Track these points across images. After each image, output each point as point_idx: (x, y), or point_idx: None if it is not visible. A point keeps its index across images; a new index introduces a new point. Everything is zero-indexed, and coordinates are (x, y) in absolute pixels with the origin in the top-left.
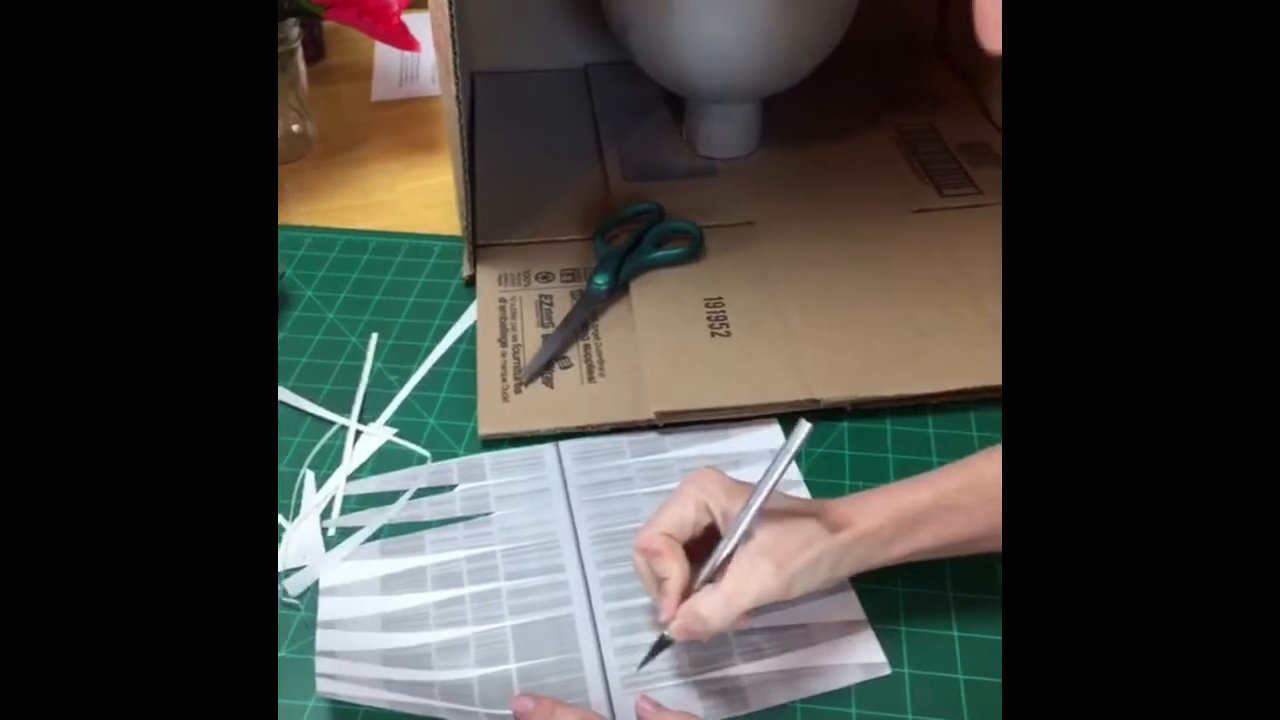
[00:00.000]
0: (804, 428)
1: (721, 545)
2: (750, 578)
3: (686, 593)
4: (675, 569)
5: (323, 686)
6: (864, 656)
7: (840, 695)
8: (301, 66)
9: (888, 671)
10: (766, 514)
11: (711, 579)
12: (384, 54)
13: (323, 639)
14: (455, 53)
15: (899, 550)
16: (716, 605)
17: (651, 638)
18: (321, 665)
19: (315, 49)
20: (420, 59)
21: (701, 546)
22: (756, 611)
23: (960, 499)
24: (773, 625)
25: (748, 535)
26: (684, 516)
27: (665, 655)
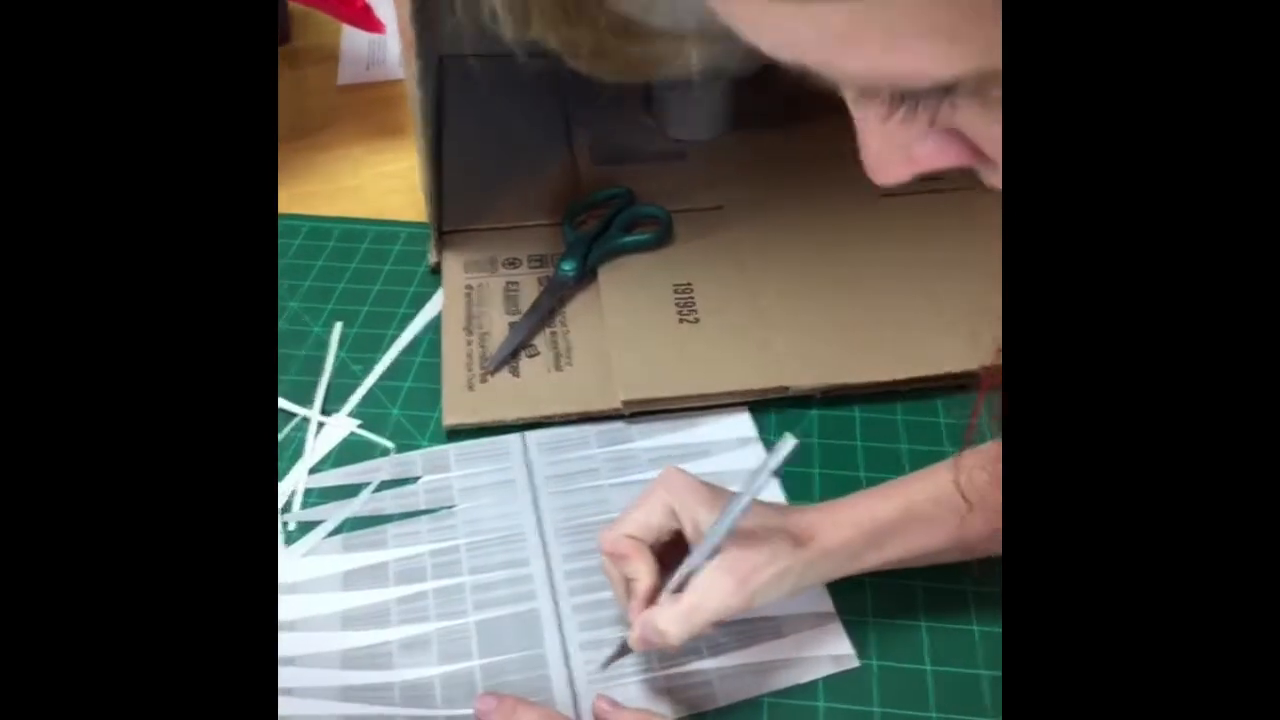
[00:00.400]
0: (788, 443)
1: (690, 559)
2: (711, 592)
3: (654, 596)
4: (643, 571)
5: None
6: (832, 649)
7: (808, 688)
8: None
9: (856, 664)
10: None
11: (678, 588)
12: (351, 37)
13: (280, 644)
14: (418, 34)
15: (866, 562)
16: (675, 619)
17: (617, 634)
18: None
19: (280, 32)
20: (388, 42)
21: (670, 551)
22: (718, 623)
23: (929, 510)
24: (740, 618)
25: (715, 550)
26: (651, 521)
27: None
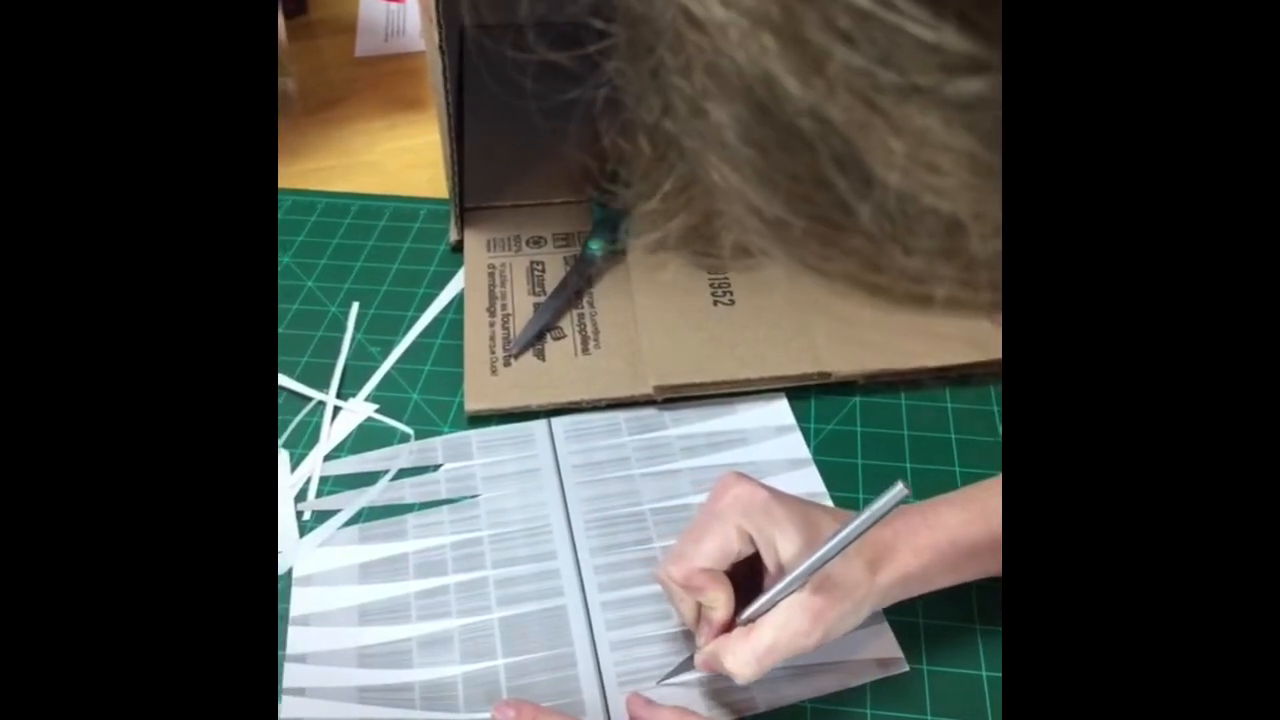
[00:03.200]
0: (898, 491)
1: (770, 594)
2: (785, 632)
3: (730, 624)
4: (721, 601)
5: (287, 711)
6: (880, 653)
7: (855, 694)
8: (279, 19)
9: (905, 668)
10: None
11: (751, 619)
12: (369, 7)
13: (294, 639)
14: (439, 2)
15: (940, 584)
16: (748, 661)
17: (650, 631)
18: (290, 676)
19: (296, 2)
20: (407, 12)
21: (739, 567)
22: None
23: None
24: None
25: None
26: (727, 549)
27: (667, 651)
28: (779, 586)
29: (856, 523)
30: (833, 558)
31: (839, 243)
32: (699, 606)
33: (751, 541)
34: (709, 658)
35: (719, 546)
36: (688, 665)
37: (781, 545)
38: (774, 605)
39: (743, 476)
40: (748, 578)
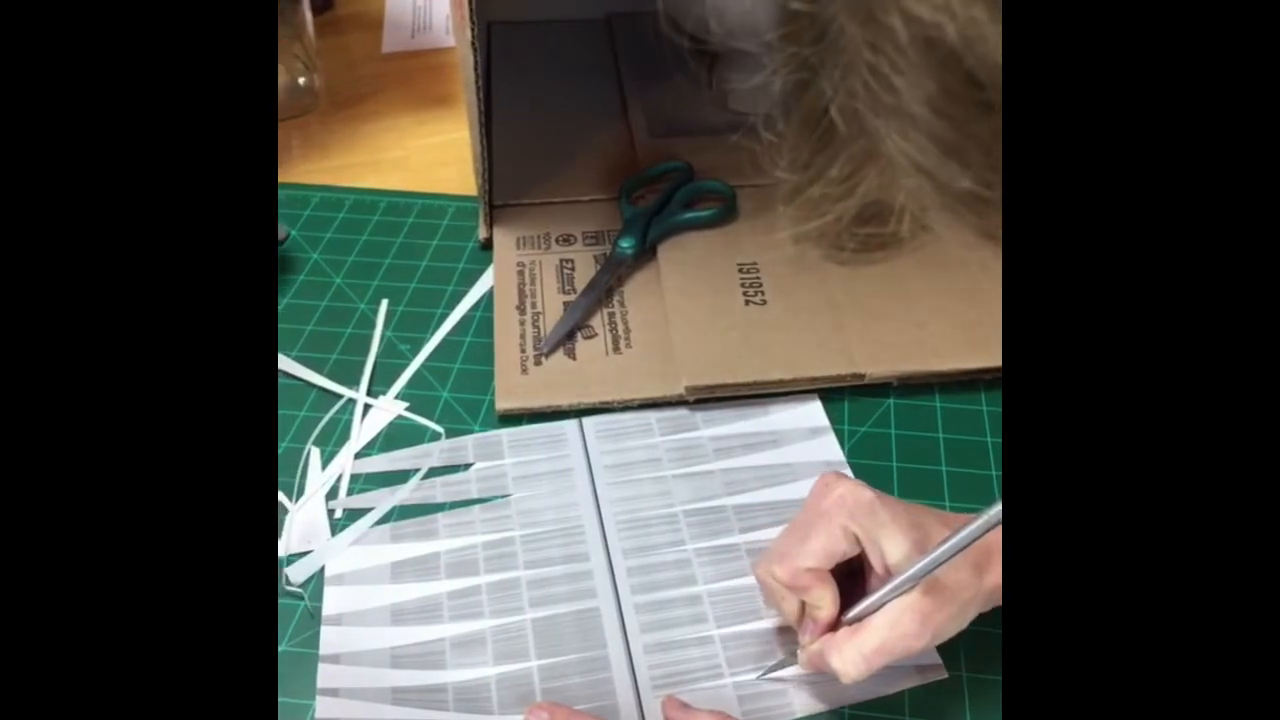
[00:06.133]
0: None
1: (877, 595)
2: (894, 634)
3: (835, 624)
4: (828, 600)
5: (322, 711)
6: (919, 658)
7: (893, 701)
8: (308, 16)
9: (944, 675)
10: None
11: (858, 619)
12: (396, 3)
13: (327, 640)
14: None
15: None
16: (855, 662)
17: (684, 634)
18: (324, 677)
19: None
20: (434, 7)
21: (839, 567)
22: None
23: None
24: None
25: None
26: (833, 549)
27: (702, 654)
28: (889, 587)
29: (972, 527)
30: (946, 561)
31: None
32: (802, 605)
33: (857, 542)
34: (814, 656)
35: (824, 547)
36: (789, 662)
37: (888, 547)
38: (882, 606)
39: (844, 476)
40: (846, 578)
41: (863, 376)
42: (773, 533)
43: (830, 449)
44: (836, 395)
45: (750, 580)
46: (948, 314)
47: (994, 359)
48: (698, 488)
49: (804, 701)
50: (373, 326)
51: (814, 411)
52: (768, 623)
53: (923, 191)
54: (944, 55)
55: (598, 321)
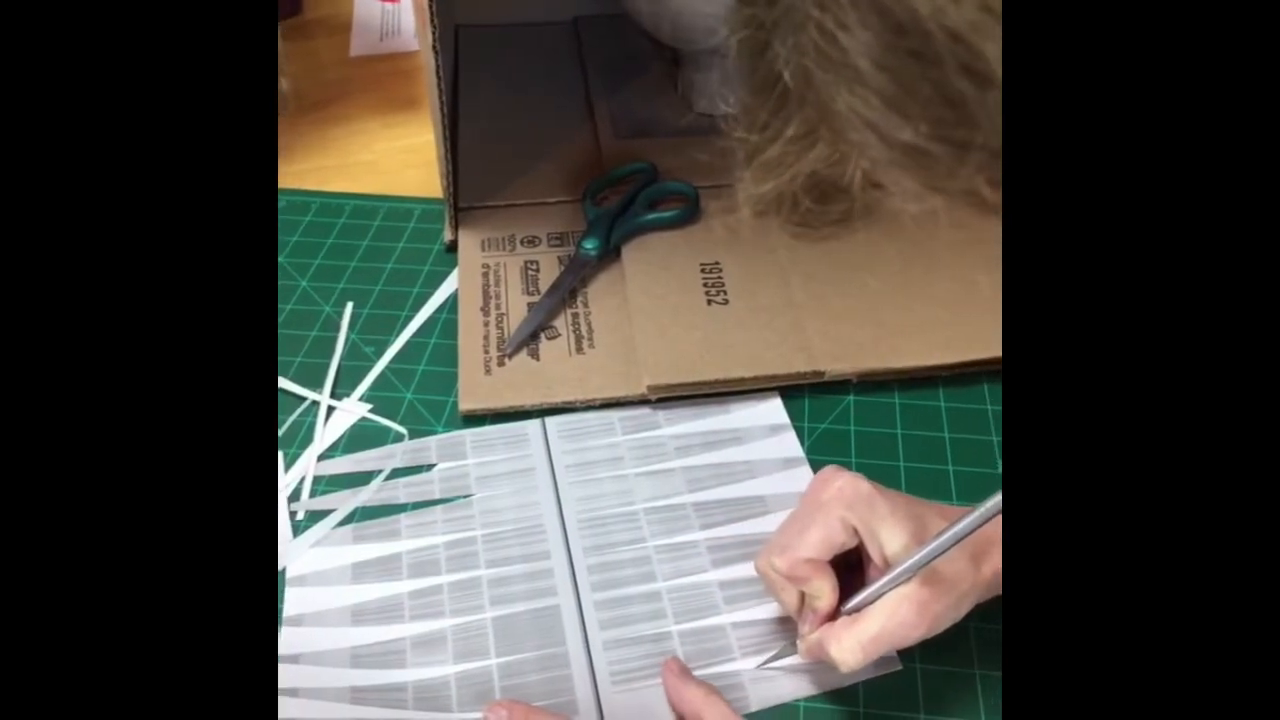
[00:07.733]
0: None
1: (875, 586)
2: (892, 622)
3: (834, 613)
4: (827, 590)
5: (282, 712)
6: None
7: (847, 693)
8: (275, 19)
9: (899, 666)
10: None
11: (856, 609)
12: (364, 7)
13: (287, 640)
14: (432, 1)
15: None
16: (854, 650)
17: (642, 630)
18: (283, 677)
19: (291, 3)
20: (402, 12)
21: (837, 559)
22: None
23: None
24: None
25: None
26: (832, 540)
27: (659, 650)
28: (888, 578)
29: (970, 519)
30: (944, 552)
31: (964, 159)
32: (801, 596)
33: (855, 534)
34: (813, 646)
35: (823, 538)
36: (787, 652)
37: (887, 539)
38: (880, 596)
39: (843, 470)
40: (845, 570)
41: (822, 374)
42: (732, 529)
43: (790, 446)
44: (796, 393)
45: (707, 576)
46: (906, 312)
47: (952, 356)
48: (659, 486)
49: (760, 694)
50: (337, 329)
51: (774, 409)
52: (724, 617)
53: (869, 145)
54: (879, 7)
55: (561, 322)
